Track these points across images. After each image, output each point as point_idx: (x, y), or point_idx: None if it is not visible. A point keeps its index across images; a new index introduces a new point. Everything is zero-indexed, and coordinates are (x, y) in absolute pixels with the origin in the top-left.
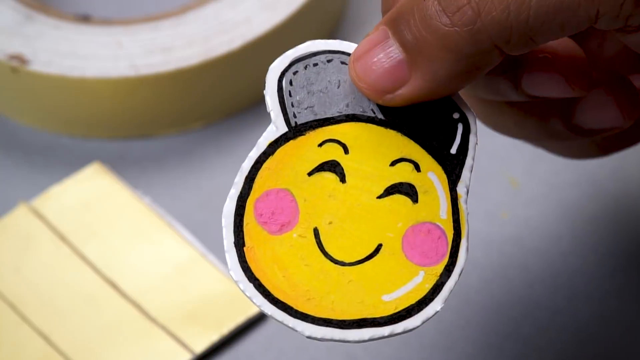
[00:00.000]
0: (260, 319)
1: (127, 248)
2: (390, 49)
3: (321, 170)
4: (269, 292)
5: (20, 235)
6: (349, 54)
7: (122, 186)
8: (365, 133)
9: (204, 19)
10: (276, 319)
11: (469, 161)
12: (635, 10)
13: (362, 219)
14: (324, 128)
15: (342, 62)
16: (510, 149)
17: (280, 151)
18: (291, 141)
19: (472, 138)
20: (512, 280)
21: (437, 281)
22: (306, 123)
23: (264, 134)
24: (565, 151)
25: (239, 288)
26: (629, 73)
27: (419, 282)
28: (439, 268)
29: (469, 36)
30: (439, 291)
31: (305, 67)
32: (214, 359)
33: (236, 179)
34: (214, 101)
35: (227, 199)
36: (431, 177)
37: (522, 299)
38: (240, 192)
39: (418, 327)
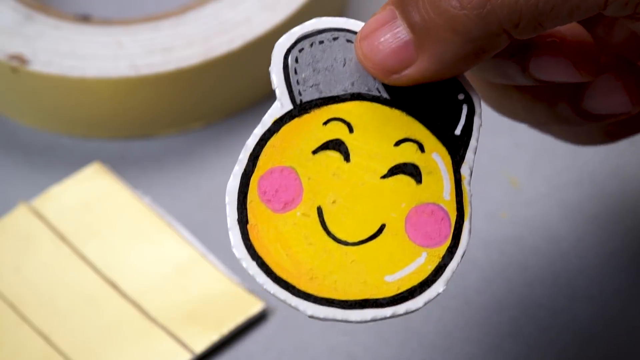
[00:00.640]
0: (260, 318)
1: (127, 248)
2: (397, 30)
3: (326, 149)
4: (271, 270)
5: (20, 235)
6: (355, 32)
7: (122, 186)
8: (370, 112)
9: (204, 19)
10: (278, 298)
11: (472, 143)
12: None
13: (365, 199)
14: (329, 106)
15: (348, 40)
16: (511, 149)
17: (285, 129)
18: (296, 119)
19: (476, 120)
20: (512, 280)
21: (440, 263)
22: (311, 101)
23: (269, 111)
24: (572, 137)
25: (242, 265)
26: (637, 59)
27: (422, 263)
28: (442, 250)
29: (478, 19)
30: (442, 273)
31: (311, 45)
32: (214, 359)
33: (240, 156)
34: (214, 101)
35: (231, 176)
36: (435, 158)
37: (522, 299)
38: (244, 170)
39: (420, 308)
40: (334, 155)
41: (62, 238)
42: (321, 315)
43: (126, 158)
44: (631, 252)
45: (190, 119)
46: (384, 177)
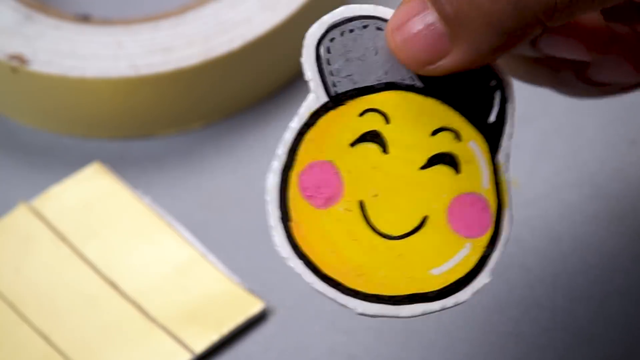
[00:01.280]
0: (260, 318)
1: (127, 248)
2: (430, 21)
3: (363, 141)
4: (318, 268)
5: (20, 235)
6: (384, 20)
7: (122, 186)
8: (405, 102)
9: (204, 19)
10: (327, 297)
11: (508, 129)
12: None
13: (406, 191)
14: (363, 97)
15: (378, 28)
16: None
17: (321, 121)
18: (331, 111)
19: (509, 106)
20: (512, 280)
21: (484, 253)
22: (346, 92)
23: (304, 104)
24: (569, 91)
25: (289, 265)
26: None
27: (466, 254)
28: (485, 239)
29: (513, 12)
30: (486, 263)
31: (342, 34)
32: (214, 359)
33: (278, 151)
34: (214, 101)
35: (270, 173)
36: (472, 147)
37: (522, 299)
38: (284, 165)
39: (468, 299)
40: (372, 147)
41: (62, 238)
42: (371, 312)
43: (126, 158)
44: (631, 252)
45: (190, 119)
46: (423, 167)
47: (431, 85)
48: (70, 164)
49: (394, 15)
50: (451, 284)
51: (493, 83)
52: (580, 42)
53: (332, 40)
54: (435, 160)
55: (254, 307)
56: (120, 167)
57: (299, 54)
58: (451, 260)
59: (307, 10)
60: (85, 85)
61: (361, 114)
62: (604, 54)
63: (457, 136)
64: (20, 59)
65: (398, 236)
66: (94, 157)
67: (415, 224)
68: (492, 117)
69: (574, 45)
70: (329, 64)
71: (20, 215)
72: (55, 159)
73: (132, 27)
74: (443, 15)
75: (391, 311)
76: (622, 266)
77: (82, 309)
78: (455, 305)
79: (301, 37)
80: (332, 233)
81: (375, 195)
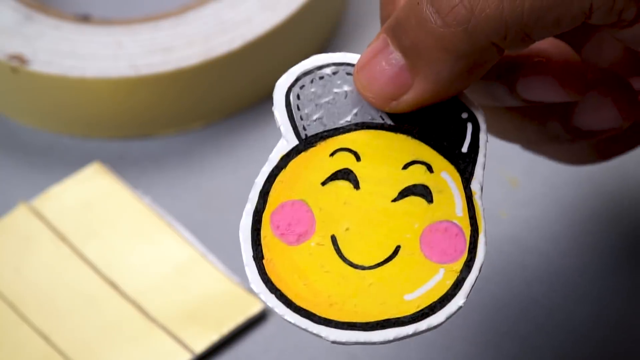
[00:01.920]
0: (260, 318)
1: (127, 248)
2: (391, 56)
3: (335, 179)
4: (290, 301)
5: (20, 235)
6: (353, 65)
7: (122, 186)
8: (376, 139)
9: (204, 19)
10: (300, 327)
11: (480, 159)
12: (628, 4)
13: (378, 223)
14: (334, 138)
15: (348, 73)
16: (510, 149)
17: (292, 164)
18: (302, 153)
19: (482, 136)
20: (511, 279)
21: (458, 277)
22: (316, 134)
23: (275, 149)
24: (565, 156)
25: (261, 300)
26: (628, 75)
27: (440, 279)
28: (459, 264)
29: (465, 35)
30: (461, 286)
31: (312, 81)
32: (214, 359)
33: (250, 195)
34: (214, 101)
35: (244, 214)
36: (444, 177)
37: (521, 298)
38: (256, 207)
39: (442, 323)
40: (343, 185)
41: (62, 238)
42: (344, 339)
43: (126, 158)
44: (629, 252)
45: (190, 119)
46: (394, 200)
47: (402, 123)
48: (70, 164)
49: (361, 56)
50: (425, 308)
51: (464, 115)
52: (556, 80)
53: (302, 87)
54: (407, 192)
55: (254, 307)
56: (120, 167)
57: (299, 54)
58: (425, 286)
59: (307, 10)
60: (85, 85)
61: (332, 154)
62: (583, 92)
63: (429, 168)
64: (20, 59)
65: (370, 266)
66: (94, 157)
67: (388, 253)
68: (465, 148)
69: (551, 84)
70: (298, 109)
71: (20, 215)
72: (55, 159)
73: (132, 27)
74: (402, 49)
75: (364, 337)
76: (620, 265)
77: (82, 309)
78: (428, 329)
79: (301, 38)
80: (304, 267)
81: (347, 229)
